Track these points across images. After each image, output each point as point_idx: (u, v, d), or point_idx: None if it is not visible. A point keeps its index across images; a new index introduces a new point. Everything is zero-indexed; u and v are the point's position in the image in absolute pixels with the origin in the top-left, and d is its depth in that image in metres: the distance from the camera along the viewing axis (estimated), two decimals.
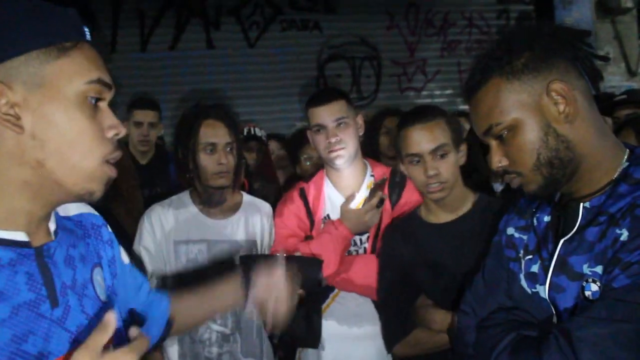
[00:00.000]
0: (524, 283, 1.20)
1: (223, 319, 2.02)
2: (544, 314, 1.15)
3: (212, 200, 2.07)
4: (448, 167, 1.71)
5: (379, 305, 1.92)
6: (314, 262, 1.86)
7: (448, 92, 5.74)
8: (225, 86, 5.13)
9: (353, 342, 2.06)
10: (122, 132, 0.89)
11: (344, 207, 2.00)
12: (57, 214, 0.95)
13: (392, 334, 1.82)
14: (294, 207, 2.12)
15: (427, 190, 1.73)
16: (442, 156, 1.71)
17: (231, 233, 2.08)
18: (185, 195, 2.12)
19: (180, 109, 4.04)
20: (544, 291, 1.14)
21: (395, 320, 1.81)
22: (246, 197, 2.19)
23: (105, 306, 0.95)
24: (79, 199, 0.87)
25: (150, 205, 2.12)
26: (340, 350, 2.07)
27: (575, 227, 1.10)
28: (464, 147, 1.79)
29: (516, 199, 1.34)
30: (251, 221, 2.13)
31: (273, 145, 3.71)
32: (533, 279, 1.17)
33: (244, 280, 1.32)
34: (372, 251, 2.06)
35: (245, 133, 3.24)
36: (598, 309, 0.97)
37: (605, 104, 3.33)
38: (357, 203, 1.99)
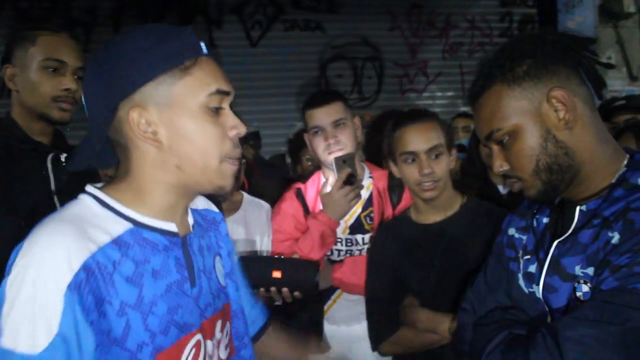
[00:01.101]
0: (521, 283, 1.22)
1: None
2: (539, 313, 1.17)
3: (212, 200, 2.08)
4: (442, 167, 1.74)
5: (366, 304, 1.93)
6: (310, 265, 1.86)
7: (449, 94, 5.75)
8: None
9: (354, 343, 2.07)
10: (243, 130, 1.01)
11: (321, 194, 2.02)
12: (191, 209, 1.12)
13: (378, 333, 1.84)
14: (290, 208, 2.12)
15: (421, 188, 1.75)
16: (437, 156, 1.74)
17: (231, 232, 2.08)
18: None
19: None
20: (538, 291, 1.16)
21: (382, 319, 1.83)
22: (246, 197, 2.21)
23: (224, 289, 1.15)
24: (214, 192, 1.02)
25: None
26: (342, 352, 2.07)
27: (571, 229, 1.12)
28: (454, 152, 1.83)
29: (519, 201, 1.36)
30: (251, 220, 2.14)
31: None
32: (530, 279, 1.19)
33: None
34: None
35: None
36: (586, 310, 0.98)
37: (604, 109, 3.33)
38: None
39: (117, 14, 5.13)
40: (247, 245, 2.10)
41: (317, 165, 2.26)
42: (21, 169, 1.57)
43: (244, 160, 2.36)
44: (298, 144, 3.29)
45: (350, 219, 2.08)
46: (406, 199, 2.08)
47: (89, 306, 0.86)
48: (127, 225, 0.95)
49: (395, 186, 2.10)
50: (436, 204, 1.78)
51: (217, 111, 0.98)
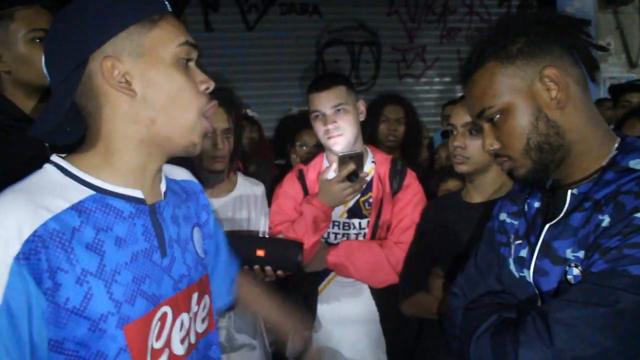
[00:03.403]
0: (512, 267, 1.22)
1: None
2: (530, 297, 1.17)
3: (208, 183, 2.09)
4: (475, 147, 1.76)
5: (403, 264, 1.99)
6: (294, 244, 1.87)
7: (447, 79, 5.73)
8: (223, 69, 5.10)
9: (346, 326, 2.08)
10: (212, 85, 1.03)
11: (321, 177, 2.03)
12: (166, 177, 1.11)
13: (402, 291, 1.91)
14: (291, 190, 2.13)
15: (453, 161, 1.84)
16: (471, 133, 1.78)
17: (227, 211, 2.11)
18: None
19: None
20: (529, 275, 1.16)
21: (407, 280, 1.91)
22: (241, 178, 2.22)
23: (202, 261, 1.14)
24: (185, 151, 1.01)
25: None
26: (333, 333, 2.08)
27: (562, 213, 1.12)
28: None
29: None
30: (246, 200, 2.15)
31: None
32: (521, 263, 1.19)
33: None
34: (372, 237, 2.06)
35: None
36: (575, 292, 0.99)
37: (613, 89, 3.34)
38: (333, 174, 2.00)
39: None
40: (242, 226, 2.11)
41: (311, 152, 2.25)
42: (19, 147, 1.56)
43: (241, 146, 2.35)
44: (290, 130, 3.29)
45: (348, 202, 2.08)
46: (407, 185, 2.08)
47: (41, 275, 0.85)
48: (89, 192, 0.94)
49: (397, 172, 2.10)
50: (477, 184, 1.83)
51: (186, 66, 0.99)
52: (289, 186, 2.14)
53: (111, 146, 0.97)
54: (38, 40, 1.59)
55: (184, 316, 1.04)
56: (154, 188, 1.04)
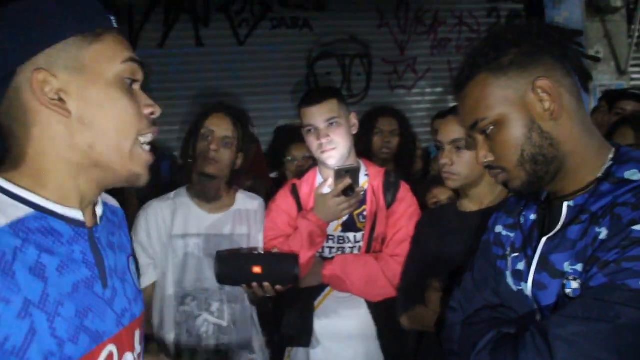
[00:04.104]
0: (510, 280, 1.21)
1: (219, 312, 2.04)
2: (528, 311, 1.16)
3: (207, 194, 2.10)
4: (463, 162, 1.78)
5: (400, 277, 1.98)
6: (289, 257, 1.86)
7: (438, 90, 5.75)
8: (214, 84, 5.10)
9: (343, 342, 2.06)
10: (158, 111, 0.93)
11: (317, 192, 2.02)
12: (103, 201, 1.00)
13: (400, 305, 1.91)
14: (284, 204, 2.11)
15: (442, 176, 1.85)
16: (458, 149, 1.78)
17: (226, 227, 2.11)
18: (182, 191, 2.16)
19: (169, 107, 4.02)
20: (527, 288, 1.14)
21: (405, 294, 1.90)
22: (240, 193, 2.22)
23: (141, 294, 1.02)
24: (128, 181, 0.90)
25: (147, 202, 2.15)
26: (330, 349, 2.06)
27: (559, 226, 1.11)
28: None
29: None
30: (245, 217, 2.15)
31: None
32: (518, 276, 1.18)
33: None
34: (367, 250, 2.05)
35: None
36: (575, 307, 0.97)
37: (607, 95, 3.35)
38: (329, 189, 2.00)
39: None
40: (242, 241, 2.11)
41: (301, 166, 2.24)
42: None
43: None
44: (279, 145, 3.27)
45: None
46: (400, 197, 2.07)
47: None
48: (28, 210, 0.81)
49: (391, 184, 2.09)
50: (471, 195, 1.83)
51: (130, 87, 0.90)
52: (283, 201, 2.12)
53: (41, 168, 0.85)
54: None
55: (129, 356, 0.92)
56: (89, 209, 0.93)
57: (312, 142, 2.02)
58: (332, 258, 2.04)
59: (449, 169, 1.79)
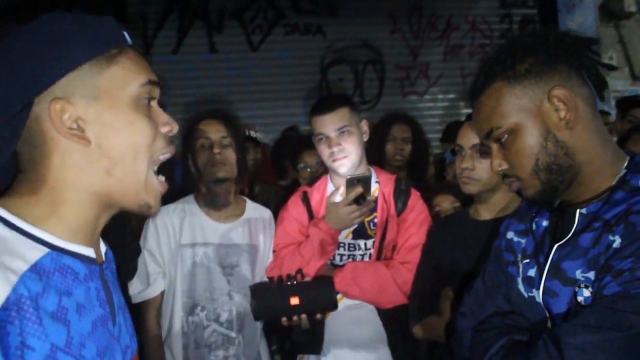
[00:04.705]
0: (521, 287, 1.21)
1: (228, 322, 2.04)
2: (539, 318, 1.15)
3: (216, 202, 2.09)
4: (484, 168, 1.74)
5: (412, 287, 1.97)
6: (325, 283, 1.86)
7: (451, 96, 5.74)
8: (228, 90, 5.14)
9: (354, 349, 2.06)
10: (175, 128, 0.91)
11: (328, 201, 2.02)
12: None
13: (412, 315, 1.89)
14: (295, 212, 2.12)
15: (460, 181, 1.84)
16: (480, 154, 1.76)
17: (235, 237, 2.11)
18: (190, 199, 2.16)
19: (183, 113, 4.05)
20: (538, 295, 1.14)
21: (417, 303, 1.89)
22: (249, 203, 2.22)
23: (134, 330, 1.00)
24: (139, 210, 0.88)
25: None
26: (341, 357, 2.06)
27: (571, 233, 1.11)
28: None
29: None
30: (254, 226, 2.15)
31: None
32: (530, 283, 1.18)
33: None
34: (378, 257, 2.05)
35: None
36: (588, 316, 0.97)
37: (620, 103, 3.34)
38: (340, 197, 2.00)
39: (117, 19, 5.13)
40: (251, 251, 2.11)
41: (314, 172, 2.24)
42: None
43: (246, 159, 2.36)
44: (291, 151, 3.28)
45: None
46: (411, 204, 2.07)
47: (8, 352, 0.70)
48: (43, 250, 0.78)
49: (402, 192, 2.09)
50: (486, 202, 1.82)
51: (148, 105, 0.88)
52: (294, 208, 2.13)
53: (59, 197, 0.83)
54: None
55: None
56: (97, 246, 0.91)
57: (324, 150, 2.02)
58: (343, 265, 2.04)
59: (469, 174, 1.77)
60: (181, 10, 5.21)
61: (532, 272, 1.17)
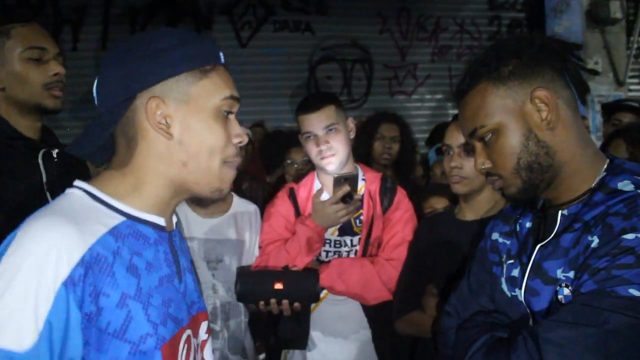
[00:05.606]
0: (504, 287, 1.23)
1: (212, 315, 2.05)
2: (522, 316, 1.18)
3: (203, 200, 2.08)
4: (471, 166, 1.74)
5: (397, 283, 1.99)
6: (310, 275, 1.88)
7: (438, 96, 5.78)
8: None
9: (339, 344, 2.07)
10: (245, 140, 1.06)
11: (314, 199, 2.03)
12: None
13: (396, 310, 1.92)
14: (282, 208, 2.13)
15: (449, 181, 1.86)
16: (468, 153, 1.78)
17: (222, 232, 2.12)
18: None
19: None
20: (521, 294, 1.17)
21: (400, 299, 1.91)
22: (236, 199, 2.23)
23: (200, 290, 1.16)
24: (210, 195, 1.04)
25: None
26: (326, 352, 2.07)
27: (552, 234, 1.13)
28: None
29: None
30: (240, 221, 2.16)
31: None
32: (513, 282, 1.20)
33: None
34: (364, 254, 2.07)
35: None
36: (565, 312, 1.00)
37: (605, 107, 3.39)
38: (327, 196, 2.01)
39: (104, 12, 5.10)
40: (237, 245, 2.12)
41: (300, 169, 2.25)
42: (13, 165, 1.56)
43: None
44: (277, 148, 3.28)
45: None
46: (397, 202, 2.09)
47: (84, 300, 0.85)
48: (121, 218, 0.95)
49: (388, 189, 2.10)
50: (471, 203, 1.84)
51: (227, 116, 1.03)
52: (280, 205, 2.13)
53: (141, 179, 0.99)
54: (35, 59, 1.59)
55: (194, 341, 1.06)
56: (170, 217, 1.07)
57: (311, 148, 2.03)
58: (329, 261, 2.06)
59: (458, 172, 1.80)
60: (170, 4, 5.19)
61: (515, 272, 1.20)
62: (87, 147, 1.01)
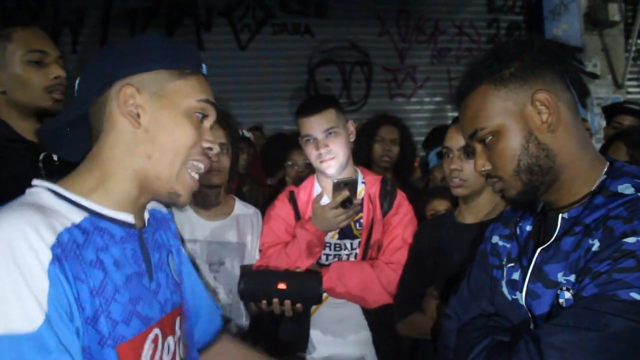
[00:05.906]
0: (505, 290, 1.23)
1: None
2: (522, 319, 1.18)
3: (206, 202, 2.10)
4: (472, 169, 1.75)
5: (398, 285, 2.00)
6: (314, 277, 1.88)
7: (437, 99, 5.79)
8: (215, 88, 4.97)
9: (339, 348, 2.07)
10: (216, 149, 1.10)
11: (314, 204, 2.03)
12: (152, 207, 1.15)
13: (397, 312, 1.93)
14: (282, 211, 2.12)
15: (449, 184, 1.86)
16: (468, 156, 1.78)
17: (224, 235, 2.11)
18: None
19: None
20: (521, 298, 1.17)
21: (401, 301, 1.92)
22: (237, 202, 2.23)
23: (179, 286, 1.17)
24: (168, 197, 1.05)
25: None
26: (326, 355, 2.07)
27: (553, 237, 1.13)
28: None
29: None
30: (242, 224, 2.16)
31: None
32: (513, 286, 1.20)
33: None
34: (363, 257, 2.07)
35: None
36: (566, 316, 1.00)
37: (605, 110, 3.39)
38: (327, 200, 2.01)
39: (105, 14, 5.10)
40: (239, 248, 2.12)
41: (300, 171, 2.25)
42: (13, 168, 1.56)
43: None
44: (279, 150, 3.28)
45: None
46: (397, 205, 2.09)
47: (70, 280, 0.87)
48: (84, 214, 0.96)
49: (387, 192, 2.10)
50: (471, 205, 1.85)
51: (201, 122, 1.04)
52: (280, 208, 2.13)
53: (107, 171, 1.00)
54: (36, 62, 1.60)
55: (170, 340, 1.06)
56: (140, 214, 1.08)
57: (311, 152, 2.03)
58: (329, 265, 2.06)
59: (458, 175, 1.80)
60: (169, 7, 5.19)
61: (516, 276, 1.20)
62: (50, 124, 1.04)
